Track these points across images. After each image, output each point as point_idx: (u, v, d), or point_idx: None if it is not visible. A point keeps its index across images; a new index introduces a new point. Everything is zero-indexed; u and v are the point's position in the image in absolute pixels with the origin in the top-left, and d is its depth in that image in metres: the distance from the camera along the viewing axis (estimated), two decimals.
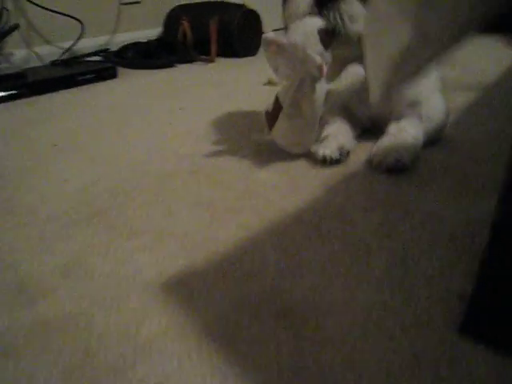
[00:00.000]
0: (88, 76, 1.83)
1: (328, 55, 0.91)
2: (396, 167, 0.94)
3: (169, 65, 2.10)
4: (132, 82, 1.82)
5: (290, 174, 0.96)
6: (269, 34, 0.96)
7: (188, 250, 0.70)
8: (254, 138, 1.03)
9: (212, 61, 2.18)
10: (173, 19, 2.40)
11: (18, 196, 0.90)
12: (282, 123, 0.96)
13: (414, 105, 1.07)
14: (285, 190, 0.89)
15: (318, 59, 0.87)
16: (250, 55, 2.33)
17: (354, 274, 0.64)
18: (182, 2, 2.48)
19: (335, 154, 0.97)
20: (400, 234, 0.73)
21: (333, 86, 0.93)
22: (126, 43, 2.26)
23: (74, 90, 1.72)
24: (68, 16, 2.06)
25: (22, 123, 1.34)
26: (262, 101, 1.49)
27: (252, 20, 2.32)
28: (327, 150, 0.97)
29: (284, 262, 0.67)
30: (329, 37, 0.90)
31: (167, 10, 2.46)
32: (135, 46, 2.22)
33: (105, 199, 0.87)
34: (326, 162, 0.97)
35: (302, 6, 0.93)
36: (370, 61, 0.54)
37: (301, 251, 0.69)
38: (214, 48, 2.21)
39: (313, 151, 1.00)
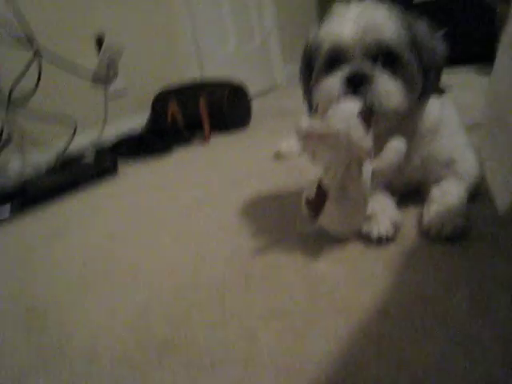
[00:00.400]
0: (89, 177, 1.78)
1: (370, 137, 0.89)
2: (455, 235, 0.90)
3: (166, 150, 2.07)
4: (135, 177, 1.78)
5: (349, 260, 0.91)
6: (304, 122, 0.93)
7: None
8: (299, 228, 0.98)
9: (207, 141, 2.16)
10: (160, 103, 2.40)
11: (64, 335, 0.82)
12: (330, 209, 0.92)
13: (450, 164, 1.05)
14: (351, 281, 0.83)
15: (366, 145, 0.84)
16: (242, 129, 2.32)
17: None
18: (168, 86, 2.48)
19: (390, 232, 0.93)
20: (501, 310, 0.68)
21: (375, 165, 0.90)
22: (116, 134, 2.24)
23: (78, 195, 1.66)
24: (59, 116, 2.04)
25: (36, 241, 1.28)
26: (277, 178, 1.46)
27: (240, 94, 2.33)
28: (381, 228, 0.93)
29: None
30: (368, 118, 0.88)
31: (153, 95, 2.46)
32: (128, 138, 2.20)
33: (164, 328, 0.80)
34: (381, 240, 0.93)
35: (335, 89, 0.91)
36: (490, 155, 0.50)
37: (405, 355, 0.63)
38: (207, 127, 2.20)
39: (365, 231, 0.95)
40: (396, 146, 0.90)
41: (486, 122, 0.51)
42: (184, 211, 1.32)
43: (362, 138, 0.86)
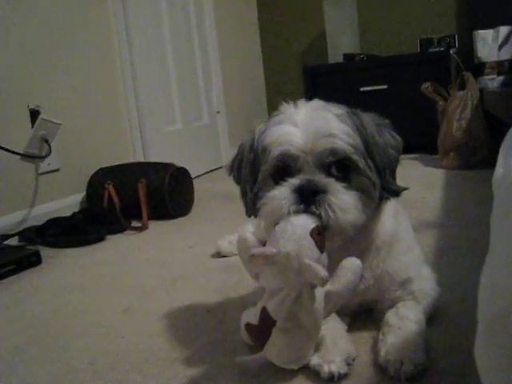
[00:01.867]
0: (7, 268, 1.58)
1: (325, 257, 0.78)
2: (416, 373, 0.78)
3: (98, 239, 1.90)
4: (59, 270, 1.59)
5: None
6: (247, 237, 0.81)
7: None
8: (239, 360, 0.84)
9: (145, 227, 2.01)
10: (96, 184, 2.25)
11: None
12: (277, 340, 0.79)
13: (406, 283, 0.95)
14: None
15: (321, 271, 0.72)
16: (184, 214, 2.19)
17: None
18: (104, 166, 2.34)
19: (343, 369, 0.80)
20: None
21: (332, 288, 0.78)
22: (46, 217, 2.05)
23: None
24: None
25: None
26: (216, 280, 1.32)
27: (181, 177, 2.22)
28: (332, 364, 0.80)
29: None
30: (323, 237, 0.77)
31: (89, 175, 2.31)
32: (58, 221, 2.01)
33: None
34: (333, 378, 0.79)
35: (285, 204, 0.80)
36: (487, 354, 0.39)
37: None
38: (145, 213, 2.05)
39: (314, 366, 0.82)
40: (353, 264, 0.80)
41: (483, 319, 0.41)
42: (101, 327, 1.13)
43: (317, 260, 0.75)
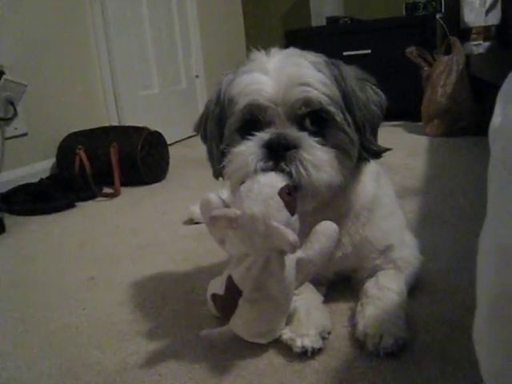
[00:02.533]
0: None
1: (295, 220, 0.70)
2: (396, 349, 0.72)
3: (68, 206, 1.81)
4: (24, 239, 1.50)
5: (265, 378, 0.70)
6: (210, 198, 0.73)
7: None
8: (204, 334, 0.77)
9: (117, 194, 1.92)
10: (66, 149, 2.14)
11: None
12: (244, 311, 0.72)
13: (387, 250, 0.89)
14: None
15: (290, 235, 0.65)
16: (158, 181, 2.10)
17: None
18: (75, 130, 2.22)
19: (318, 343, 0.74)
20: None
21: (304, 254, 0.71)
22: (13, 183, 1.95)
23: None
24: None
25: None
26: (186, 248, 1.25)
27: (156, 142, 2.12)
28: (306, 338, 0.73)
29: None
30: (293, 197, 0.69)
31: (59, 140, 2.19)
32: (25, 187, 1.91)
33: None
34: (306, 353, 0.73)
35: (251, 160, 0.72)
36: (491, 333, 0.32)
37: None
38: (117, 179, 1.96)
39: (286, 340, 0.75)
40: (328, 229, 0.73)
41: (488, 295, 0.33)
42: (62, 298, 1.06)
43: (286, 223, 0.68)
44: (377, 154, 0.81)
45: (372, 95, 0.80)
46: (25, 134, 2.15)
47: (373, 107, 0.80)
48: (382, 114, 0.82)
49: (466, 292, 0.89)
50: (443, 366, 0.70)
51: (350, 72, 0.79)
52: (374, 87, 0.82)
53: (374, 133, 0.81)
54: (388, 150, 0.82)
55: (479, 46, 2.78)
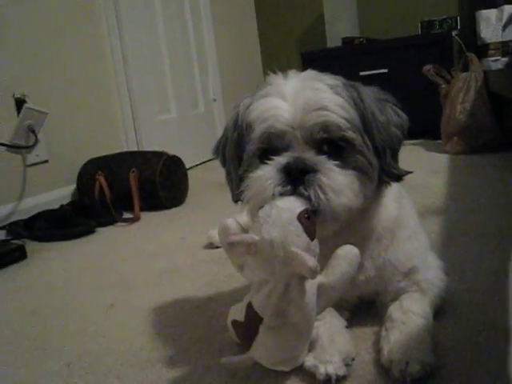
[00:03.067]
0: None
1: (315, 245, 0.69)
2: (425, 374, 0.70)
3: (88, 231, 1.81)
4: (45, 265, 1.51)
5: None
6: (228, 223, 0.72)
7: None
8: (225, 362, 0.75)
9: (137, 219, 1.92)
10: (86, 175, 2.17)
11: None
12: (264, 339, 0.70)
13: (411, 273, 0.87)
14: None
15: (310, 260, 0.63)
16: (177, 205, 2.11)
17: None
18: (95, 156, 2.25)
19: (341, 370, 0.72)
20: None
21: (323, 277, 0.70)
22: (34, 209, 1.97)
23: None
24: None
25: None
26: (207, 272, 1.24)
27: (174, 166, 2.12)
28: (329, 366, 0.71)
29: None
30: (312, 222, 0.68)
31: (79, 166, 2.22)
32: (46, 214, 1.93)
33: None
34: (330, 381, 0.71)
35: (269, 185, 0.71)
36: None
37: None
38: (136, 204, 1.97)
39: (309, 367, 0.73)
40: (349, 253, 0.71)
41: None
42: (92, 321, 1.06)
43: (305, 248, 0.66)
44: (398, 177, 0.79)
45: (392, 116, 0.79)
46: (46, 161, 2.18)
47: (393, 129, 0.78)
48: (403, 135, 0.80)
49: (493, 313, 0.86)
50: None
51: (370, 93, 0.78)
52: (394, 108, 0.80)
53: (395, 155, 0.79)
54: (409, 172, 0.81)
55: (497, 62, 2.75)
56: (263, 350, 0.72)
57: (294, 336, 0.71)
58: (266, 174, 0.72)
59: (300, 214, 0.67)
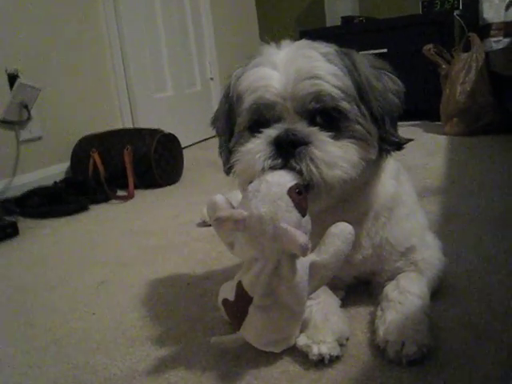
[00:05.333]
0: None
1: (307, 221, 0.66)
2: (419, 356, 0.68)
3: (81, 209, 1.79)
4: (37, 242, 1.49)
5: None
6: (216, 199, 0.70)
7: None
8: (215, 341, 0.73)
9: (131, 196, 1.90)
10: (80, 153, 2.14)
11: None
12: (254, 319, 0.68)
13: (408, 252, 0.84)
14: None
15: (301, 237, 0.61)
16: (172, 183, 2.08)
17: None
18: (90, 134, 2.21)
19: (335, 350, 0.70)
20: None
21: (316, 256, 0.67)
22: (27, 187, 1.94)
23: None
24: None
25: None
26: (199, 250, 1.22)
27: (169, 144, 2.09)
28: (323, 346, 0.69)
29: None
30: (304, 197, 0.65)
31: (73, 143, 2.18)
32: (39, 191, 1.90)
33: None
34: (323, 361, 0.69)
35: (259, 159, 0.68)
36: None
37: None
38: (131, 182, 1.94)
39: (302, 347, 0.71)
40: (343, 231, 0.68)
41: None
42: (81, 300, 1.03)
43: (296, 224, 0.64)
44: (398, 145, 0.76)
45: (389, 83, 0.76)
46: (39, 138, 2.15)
47: (390, 96, 0.75)
48: (400, 102, 0.77)
49: (492, 295, 0.85)
50: (470, 374, 0.65)
51: (364, 61, 0.75)
52: (390, 75, 0.78)
53: (394, 123, 0.77)
54: (410, 140, 0.78)
55: (499, 43, 2.71)
56: (253, 331, 0.70)
57: (284, 316, 0.69)
58: (256, 148, 0.69)
59: (290, 188, 0.64)
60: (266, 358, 0.73)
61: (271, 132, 0.69)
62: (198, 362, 0.74)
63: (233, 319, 0.72)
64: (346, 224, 0.69)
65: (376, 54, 2.68)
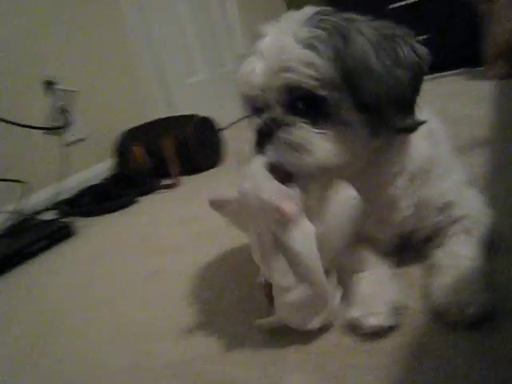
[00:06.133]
0: (38, 245, 1.54)
1: (294, 187, 0.66)
2: (480, 317, 0.65)
3: (129, 202, 1.83)
4: (91, 239, 1.54)
5: (330, 367, 0.66)
6: (214, 194, 0.75)
7: None
8: (261, 323, 0.74)
9: (176, 184, 1.92)
10: (123, 147, 2.18)
11: None
12: (277, 300, 0.69)
13: (447, 208, 0.82)
14: None
15: (285, 204, 0.63)
16: (214, 166, 2.09)
17: None
18: (129, 127, 2.25)
19: (390, 320, 0.68)
20: None
21: (316, 227, 0.67)
22: (78, 186, 2.01)
23: (23, 269, 1.41)
24: (6, 180, 1.79)
25: None
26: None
27: (206, 127, 2.10)
28: (374, 317, 0.68)
29: None
30: (280, 169, 0.67)
31: (115, 139, 2.23)
32: (89, 190, 1.97)
33: None
34: (378, 333, 0.68)
35: (247, 147, 0.71)
36: None
37: None
38: (174, 170, 1.96)
39: (353, 320, 0.70)
40: (341, 196, 0.68)
41: None
42: (126, 294, 1.07)
43: (276, 192, 0.64)
44: (407, 130, 0.73)
45: (400, 57, 0.69)
46: (83, 139, 2.21)
47: (398, 73, 0.68)
48: (417, 75, 0.71)
49: None
50: None
51: (367, 34, 0.68)
52: (410, 42, 0.71)
53: (405, 105, 0.71)
54: (422, 123, 0.73)
55: None
56: (285, 311, 0.70)
57: (302, 292, 0.67)
58: (247, 136, 0.72)
59: (266, 162, 0.67)
60: (319, 332, 0.72)
61: (257, 121, 0.72)
62: (252, 342, 0.75)
63: (270, 300, 0.73)
64: (347, 187, 0.68)
65: (408, 5, 2.56)
